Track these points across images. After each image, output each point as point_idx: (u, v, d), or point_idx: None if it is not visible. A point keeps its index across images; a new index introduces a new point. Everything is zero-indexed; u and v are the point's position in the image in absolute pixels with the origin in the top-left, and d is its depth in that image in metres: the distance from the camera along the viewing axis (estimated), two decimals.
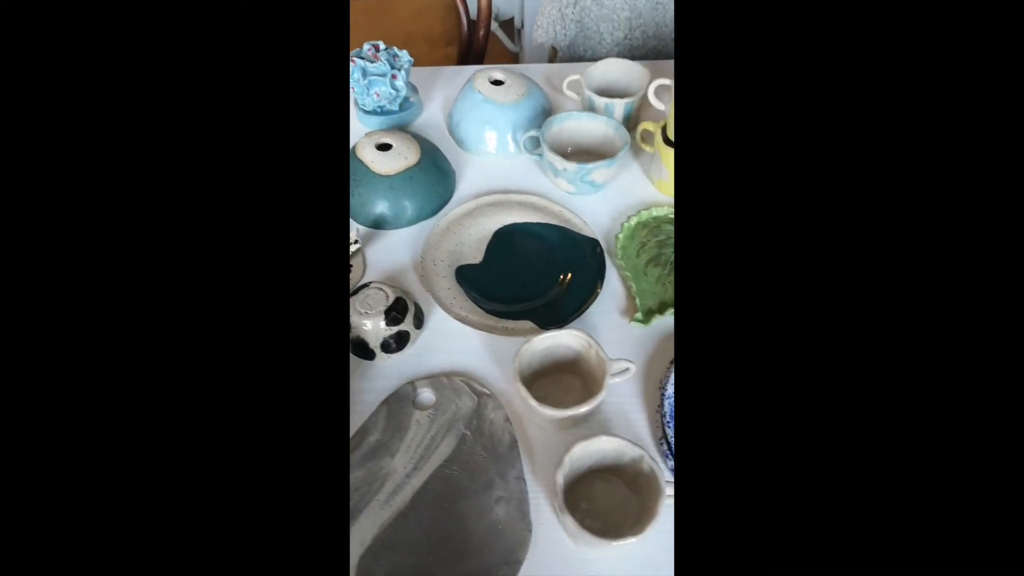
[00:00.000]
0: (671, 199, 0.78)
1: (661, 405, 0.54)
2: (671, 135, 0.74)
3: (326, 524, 0.21)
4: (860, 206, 0.22)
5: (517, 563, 0.46)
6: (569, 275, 0.68)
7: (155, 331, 0.19)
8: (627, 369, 0.54)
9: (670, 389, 0.55)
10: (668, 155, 0.74)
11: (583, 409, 0.49)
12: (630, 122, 0.85)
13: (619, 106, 0.83)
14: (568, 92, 0.90)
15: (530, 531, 0.48)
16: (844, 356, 0.22)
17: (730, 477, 0.24)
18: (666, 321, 0.65)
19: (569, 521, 0.42)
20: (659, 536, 0.49)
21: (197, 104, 0.20)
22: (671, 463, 0.52)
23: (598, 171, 0.73)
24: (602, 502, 0.49)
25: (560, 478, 0.44)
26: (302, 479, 0.20)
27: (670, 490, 0.45)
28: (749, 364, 0.25)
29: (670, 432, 0.52)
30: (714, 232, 0.26)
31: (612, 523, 0.48)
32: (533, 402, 0.49)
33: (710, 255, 0.26)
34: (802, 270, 0.23)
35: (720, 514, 0.24)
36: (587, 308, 0.63)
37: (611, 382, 0.54)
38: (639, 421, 0.56)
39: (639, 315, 0.63)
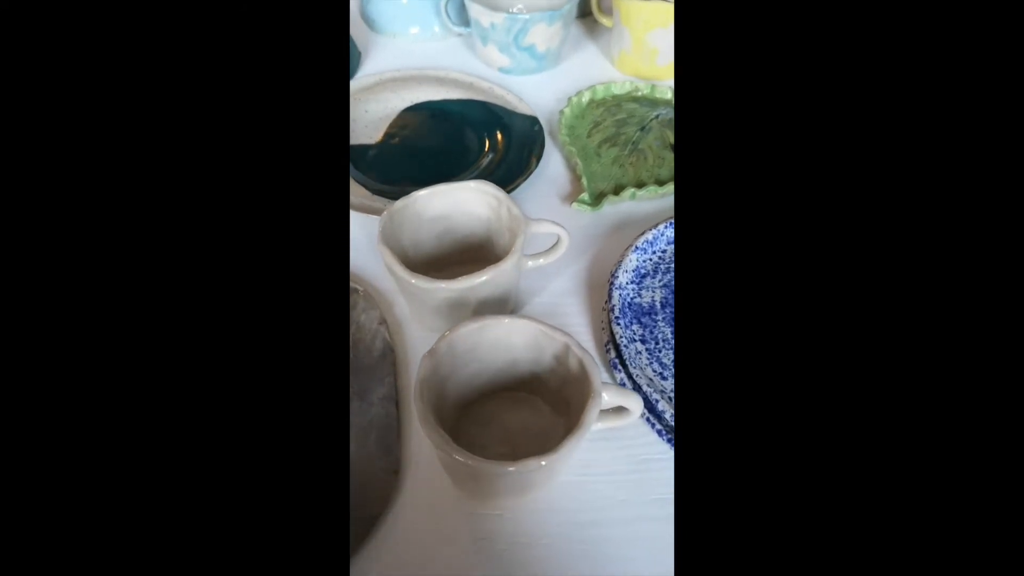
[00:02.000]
0: (635, 79, 0.63)
1: (609, 298, 0.38)
2: None
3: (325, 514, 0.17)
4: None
5: (370, 520, 0.30)
6: (498, 152, 0.52)
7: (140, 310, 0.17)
8: (557, 241, 0.38)
9: (622, 277, 0.39)
10: (629, 10, 0.59)
11: (476, 279, 0.33)
12: None
13: None
14: None
15: (396, 473, 0.32)
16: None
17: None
18: (621, 208, 0.49)
19: (434, 435, 0.26)
20: (585, 475, 0.33)
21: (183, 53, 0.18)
22: (621, 376, 0.36)
23: (537, 28, 0.58)
24: (510, 433, 0.34)
25: (424, 378, 0.28)
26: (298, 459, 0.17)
27: (608, 395, 0.29)
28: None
29: (619, 330, 0.36)
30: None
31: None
32: (399, 268, 0.33)
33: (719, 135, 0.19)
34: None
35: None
36: (517, 186, 0.48)
37: (533, 264, 0.38)
38: (579, 326, 0.40)
39: (585, 196, 0.47)
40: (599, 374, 0.29)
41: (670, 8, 0.57)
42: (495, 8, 0.63)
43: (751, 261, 0.19)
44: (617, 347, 0.36)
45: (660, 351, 0.37)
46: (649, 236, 0.42)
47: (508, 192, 0.48)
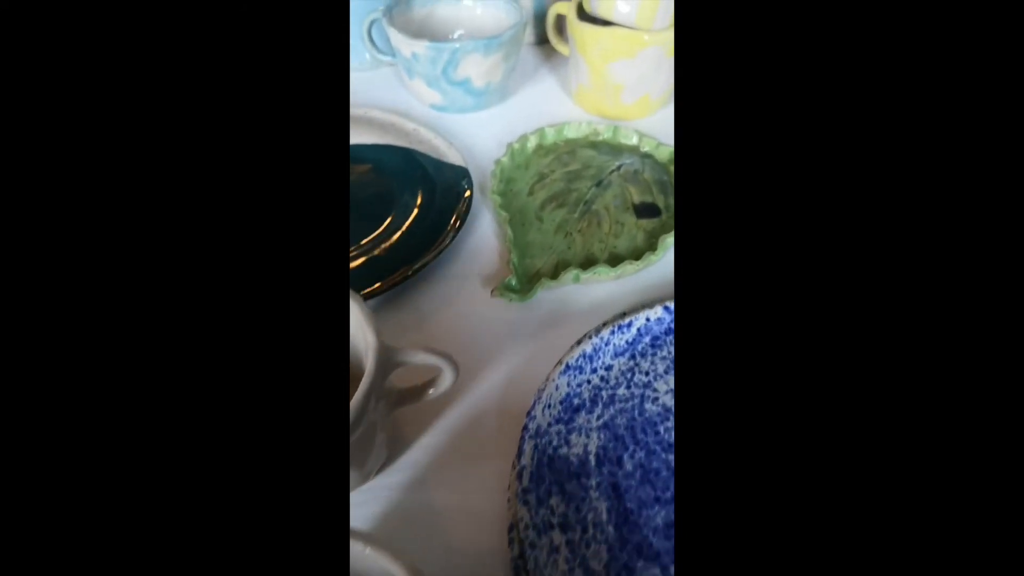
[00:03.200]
0: (596, 118, 0.51)
1: (518, 456, 0.26)
2: (589, 6, 0.47)
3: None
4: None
5: None
6: (410, 216, 0.40)
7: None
8: (437, 376, 0.26)
9: (541, 417, 0.27)
10: (584, 37, 0.47)
11: None
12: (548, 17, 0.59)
13: None
14: None
15: None
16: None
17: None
18: (562, 293, 0.36)
19: None
20: None
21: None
22: None
23: (470, 59, 0.46)
24: None
25: None
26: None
27: None
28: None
29: (526, 513, 0.24)
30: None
31: None
32: None
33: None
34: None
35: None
36: (427, 264, 0.36)
37: (407, 401, 0.25)
38: (479, 492, 0.28)
39: (511, 281, 0.35)
40: None
41: (635, 36, 0.44)
42: (419, 35, 0.51)
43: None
44: (521, 543, 0.23)
45: (589, 545, 0.24)
46: (588, 347, 0.29)
47: (415, 271, 0.35)
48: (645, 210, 0.41)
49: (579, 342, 0.29)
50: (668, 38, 0.44)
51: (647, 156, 0.46)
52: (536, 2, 0.58)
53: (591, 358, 0.29)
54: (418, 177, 0.43)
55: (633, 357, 0.30)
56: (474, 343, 0.33)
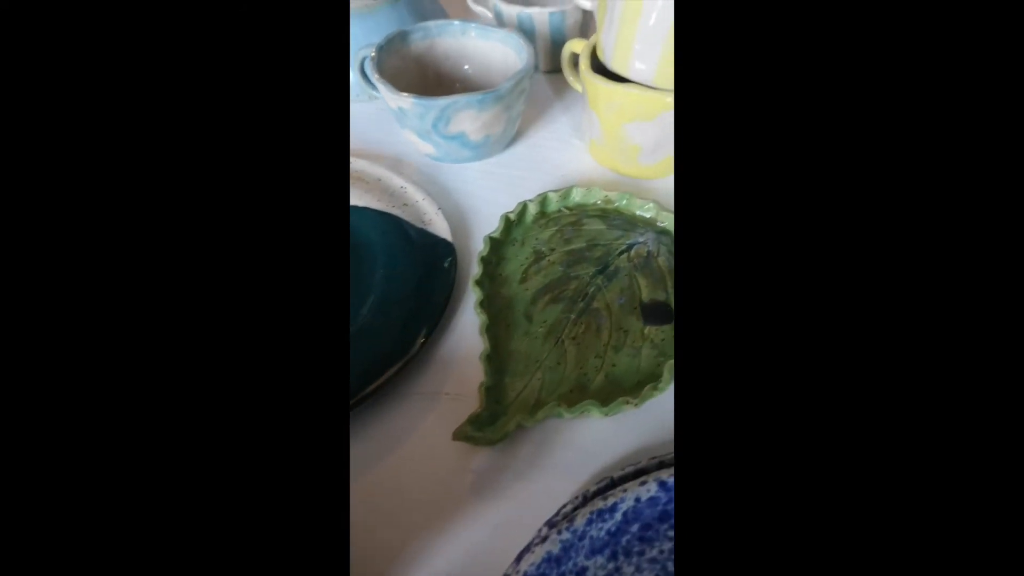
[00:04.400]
0: (612, 172, 0.43)
1: None
2: (603, 56, 0.38)
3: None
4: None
5: None
6: (373, 306, 0.33)
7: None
8: None
9: None
10: (597, 93, 0.38)
11: None
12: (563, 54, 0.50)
13: (540, 18, 0.48)
14: (475, 6, 0.56)
15: None
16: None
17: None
18: (543, 429, 0.29)
19: None
20: None
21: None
22: None
23: (464, 114, 0.38)
24: None
25: None
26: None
27: None
28: None
29: None
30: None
31: None
32: None
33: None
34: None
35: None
36: (387, 380, 0.29)
37: None
38: None
39: (479, 416, 0.28)
40: None
41: (655, 98, 0.36)
42: (419, 69, 0.43)
43: None
44: None
45: None
46: (554, 548, 0.22)
47: (369, 391, 0.29)
48: (654, 312, 0.33)
49: (546, 533, 0.23)
50: None
51: (663, 233, 0.38)
52: (553, 29, 0.49)
53: (558, 561, 0.22)
54: (399, 252, 0.36)
55: (615, 556, 0.23)
56: (422, 506, 0.26)
